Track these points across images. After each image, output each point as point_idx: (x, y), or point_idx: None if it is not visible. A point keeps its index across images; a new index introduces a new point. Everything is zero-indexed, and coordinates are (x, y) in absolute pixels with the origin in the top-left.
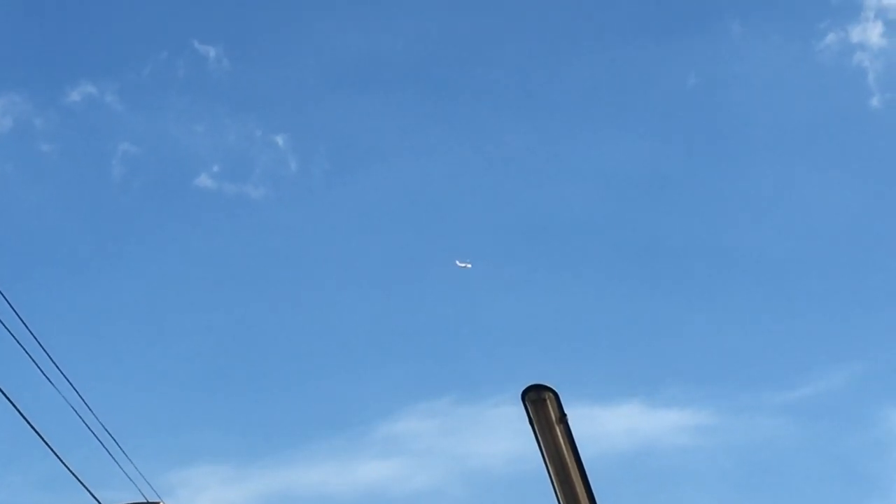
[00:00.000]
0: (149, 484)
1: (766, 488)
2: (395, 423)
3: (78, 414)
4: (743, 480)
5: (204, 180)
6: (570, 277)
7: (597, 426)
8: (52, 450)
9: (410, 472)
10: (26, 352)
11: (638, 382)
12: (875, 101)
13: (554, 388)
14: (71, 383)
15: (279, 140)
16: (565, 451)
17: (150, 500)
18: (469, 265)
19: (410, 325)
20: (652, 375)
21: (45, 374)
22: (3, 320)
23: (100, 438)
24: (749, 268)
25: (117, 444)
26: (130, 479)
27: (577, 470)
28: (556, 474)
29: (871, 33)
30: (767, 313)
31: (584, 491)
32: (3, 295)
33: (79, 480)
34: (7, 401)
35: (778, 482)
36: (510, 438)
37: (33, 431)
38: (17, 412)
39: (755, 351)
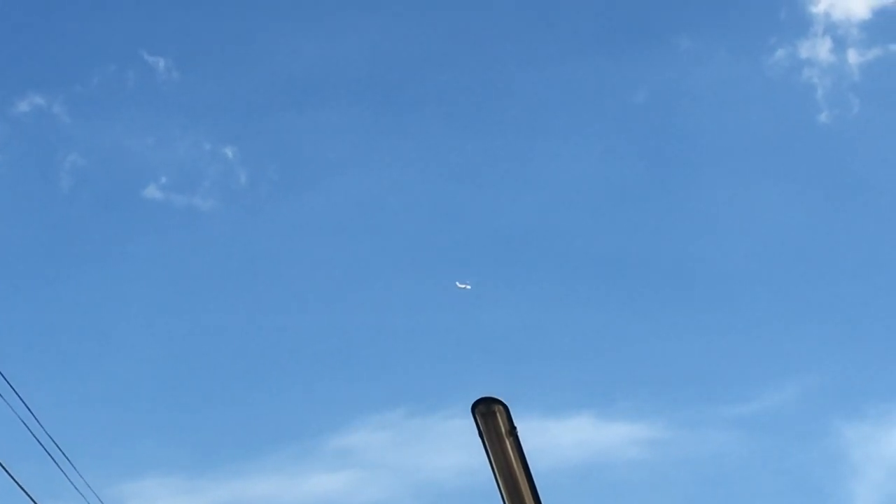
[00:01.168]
0: (97, 496)
1: (718, 502)
2: (346, 436)
3: (26, 425)
4: (694, 494)
5: (152, 192)
6: (523, 290)
7: (549, 439)
8: None
9: (361, 485)
10: None
11: (590, 395)
12: (823, 117)
13: (503, 401)
14: (18, 394)
15: (228, 152)
16: (515, 464)
17: None
18: (468, 286)
19: (361, 337)
20: (604, 388)
21: None
22: None
23: (48, 450)
24: (701, 281)
25: (65, 456)
26: (79, 492)
27: (526, 483)
28: (506, 487)
29: (820, 49)
30: (719, 327)
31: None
32: None
33: (26, 493)
34: None
35: (729, 496)
36: (462, 451)
37: None
38: None
39: (707, 364)
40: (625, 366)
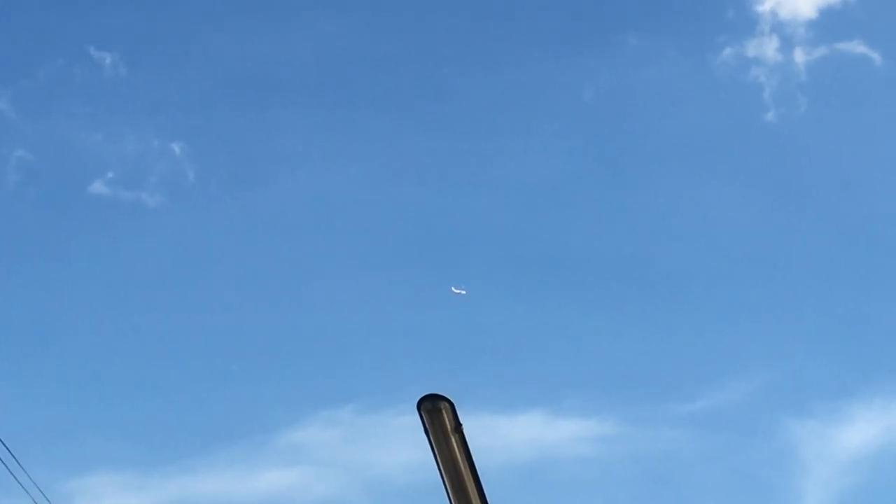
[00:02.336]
0: (43, 494)
1: (667, 499)
2: (296, 432)
3: None
4: (644, 491)
5: (98, 187)
6: (474, 287)
7: (498, 436)
8: None
9: (312, 481)
10: None
11: (540, 392)
12: (770, 116)
13: (449, 398)
14: None
15: (176, 148)
16: (460, 461)
17: None
18: (464, 292)
19: (312, 333)
20: (555, 385)
21: None
22: None
23: None
24: (650, 279)
25: (10, 452)
26: (24, 489)
27: (472, 480)
28: (452, 484)
29: (767, 48)
30: (669, 324)
31: (479, 500)
32: None
33: None
34: None
35: (679, 493)
36: (412, 448)
37: None
38: None
39: (657, 362)
40: (575, 363)
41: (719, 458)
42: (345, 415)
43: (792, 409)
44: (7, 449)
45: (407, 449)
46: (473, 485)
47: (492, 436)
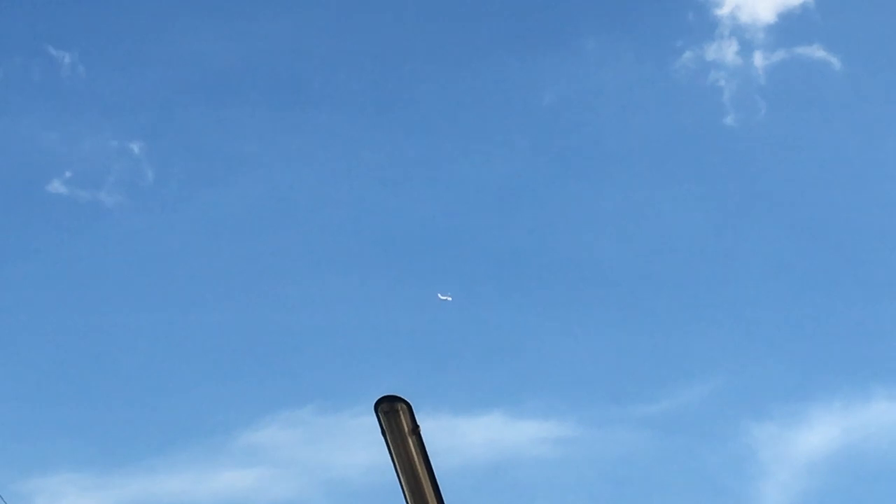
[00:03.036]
0: None
1: (626, 501)
2: (256, 432)
3: None
4: (603, 493)
5: (56, 186)
6: (432, 288)
7: (458, 437)
8: None
9: (271, 482)
10: None
11: (500, 394)
12: (729, 120)
13: (407, 400)
14: None
15: (135, 147)
16: (417, 463)
17: None
18: (450, 297)
19: (271, 334)
20: (515, 387)
21: None
22: None
23: None
24: (610, 281)
25: None
26: None
27: (428, 481)
28: (408, 485)
29: (727, 51)
30: (629, 327)
31: (435, 501)
32: None
33: None
34: None
35: (638, 495)
36: (370, 449)
37: None
38: None
39: (617, 364)
40: (535, 365)
41: (678, 460)
42: (304, 415)
43: (751, 412)
44: None
45: (366, 450)
46: (430, 486)
47: (452, 437)
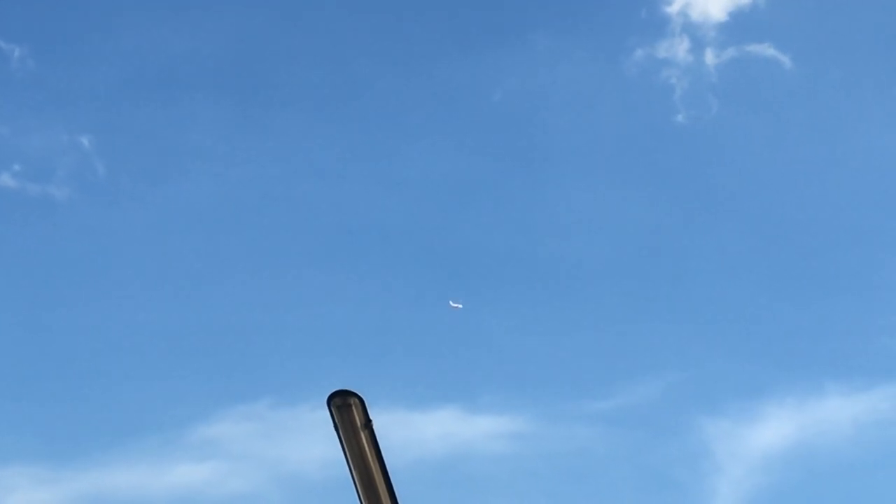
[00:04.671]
0: None
1: (581, 496)
2: (210, 426)
3: None
4: (557, 488)
5: (5, 180)
6: (386, 284)
7: (413, 431)
8: None
9: (226, 476)
10: None
11: (456, 389)
12: (680, 118)
13: (359, 394)
14: None
15: (85, 141)
16: (370, 457)
17: None
18: (460, 306)
19: (224, 328)
20: (469, 382)
21: None
22: None
23: None
24: (564, 278)
25: None
26: None
27: (381, 476)
28: (361, 480)
29: (678, 49)
30: (583, 323)
31: (387, 497)
32: None
33: None
34: None
35: (592, 490)
36: (325, 443)
37: None
38: None
39: (572, 360)
40: (490, 360)
41: (633, 456)
42: (259, 409)
43: (705, 408)
44: None
45: (321, 444)
46: (383, 481)
47: (407, 431)
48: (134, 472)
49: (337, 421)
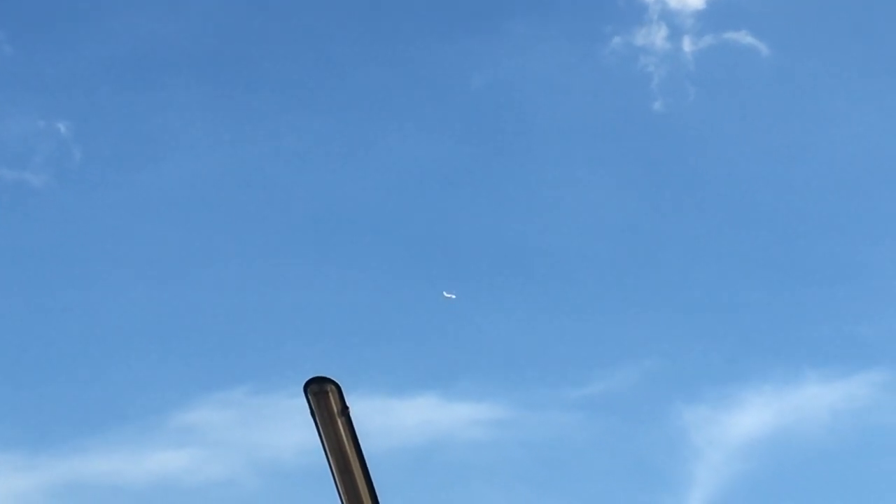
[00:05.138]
0: None
1: (559, 482)
2: (188, 413)
3: None
4: (536, 474)
5: None
6: (365, 271)
7: (392, 418)
8: None
9: (204, 463)
10: None
11: (434, 376)
12: (657, 105)
13: (336, 381)
14: None
15: (62, 127)
16: (346, 444)
17: None
18: (453, 296)
19: (203, 315)
20: (448, 369)
21: None
22: None
23: None
24: (543, 265)
25: None
26: None
27: (357, 462)
28: (337, 466)
29: (656, 36)
30: (562, 310)
31: (364, 483)
32: None
33: None
34: None
35: (570, 476)
36: (303, 430)
37: None
38: None
39: (551, 346)
40: (468, 347)
41: (611, 443)
42: (237, 396)
43: (683, 395)
44: None
45: (299, 431)
46: (359, 467)
47: (386, 418)
48: (112, 458)
49: (314, 408)
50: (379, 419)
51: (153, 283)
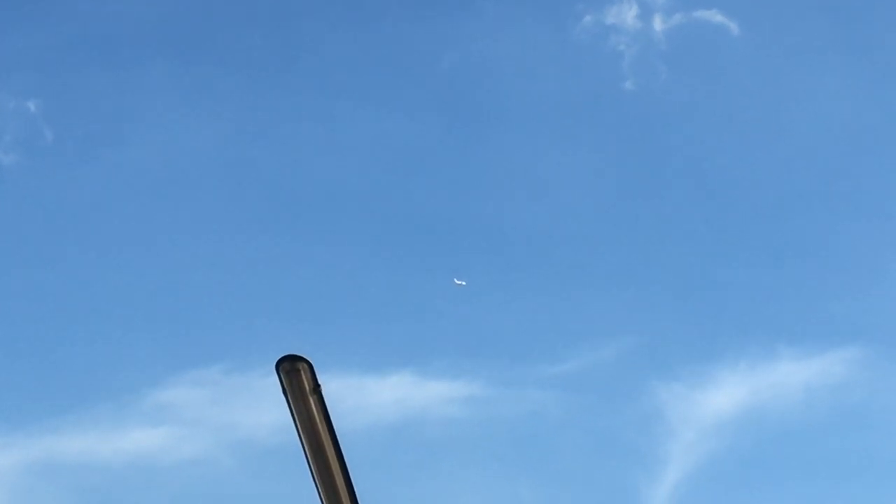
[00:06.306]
0: None
1: (534, 460)
2: (164, 391)
3: None
4: (511, 452)
5: None
6: (338, 248)
7: (367, 396)
8: None
9: (179, 441)
10: None
11: (409, 353)
12: (628, 84)
13: (308, 359)
14: None
15: (31, 106)
16: (318, 422)
17: None
18: (464, 283)
19: (178, 293)
20: (424, 346)
21: None
22: None
23: None
24: (516, 243)
25: None
26: None
27: (330, 441)
28: (310, 445)
29: (627, 15)
30: (537, 288)
31: (336, 461)
32: None
33: None
34: None
35: (546, 454)
36: (279, 409)
37: None
38: None
39: (525, 324)
40: (444, 325)
41: (586, 420)
42: (212, 375)
43: (658, 372)
44: None
45: (274, 409)
46: (331, 446)
47: (361, 396)
48: (87, 437)
49: (285, 386)
50: (354, 397)
51: (126, 262)
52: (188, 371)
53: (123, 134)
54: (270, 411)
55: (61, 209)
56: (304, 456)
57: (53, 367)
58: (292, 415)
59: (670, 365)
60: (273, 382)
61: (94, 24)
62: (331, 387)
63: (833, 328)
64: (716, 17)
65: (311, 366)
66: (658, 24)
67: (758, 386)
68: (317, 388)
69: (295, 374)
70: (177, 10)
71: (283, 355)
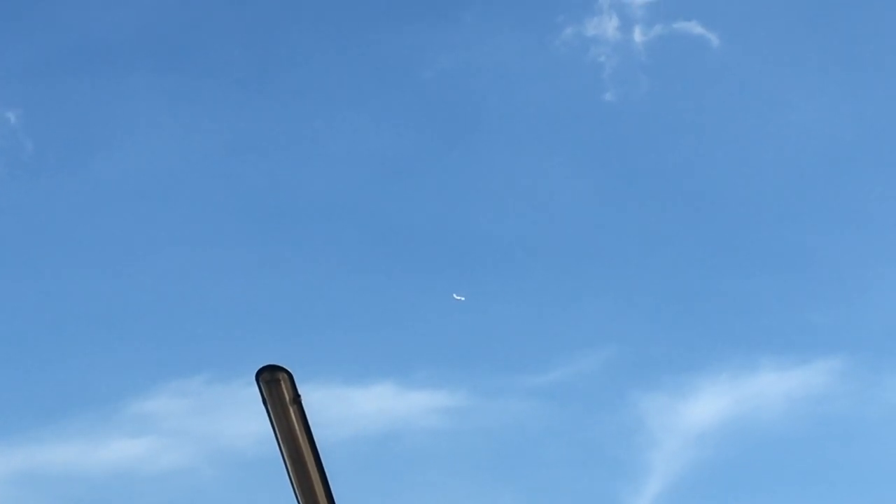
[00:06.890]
0: None
1: (516, 470)
2: (145, 402)
3: None
4: (493, 462)
5: None
6: (320, 258)
7: (349, 407)
8: None
9: (161, 452)
10: None
11: (391, 363)
12: (609, 96)
13: (288, 369)
14: None
15: (12, 117)
16: (299, 433)
17: None
18: (463, 298)
19: (159, 303)
20: (405, 356)
21: None
22: None
23: None
24: (498, 253)
25: None
26: None
27: (310, 451)
28: (290, 456)
29: (607, 26)
30: (518, 297)
31: (316, 473)
32: None
33: None
34: None
35: (528, 464)
36: (261, 419)
37: None
38: None
39: (507, 334)
40: (425, 335)
41: (568, 431)
42: (195, 385)
43: (640, 383)
44: None
45: (257, 420)
46: (311, 456)
47: (342, 407)
48: (67, 447)
49: (265, 396)
50: (336, 408)
51: (108, 272)
52: (170, 381)
53: (105, 145)
54: (253, 421)
55: (42, 221)
56: (283, 466)
57: (35, 377)
58: (272, 425)
59: (653, 375)
60: (256, 392)
61: (76, 33)
62: (312, 397)
63: (815, 338)
64: (696, 28)
65: (291, 376)
66: (638, 35)
67: (740, 396)
68: (297, 398)
69: (275, 385)
70: (160, 19)
71: (262, 365)
